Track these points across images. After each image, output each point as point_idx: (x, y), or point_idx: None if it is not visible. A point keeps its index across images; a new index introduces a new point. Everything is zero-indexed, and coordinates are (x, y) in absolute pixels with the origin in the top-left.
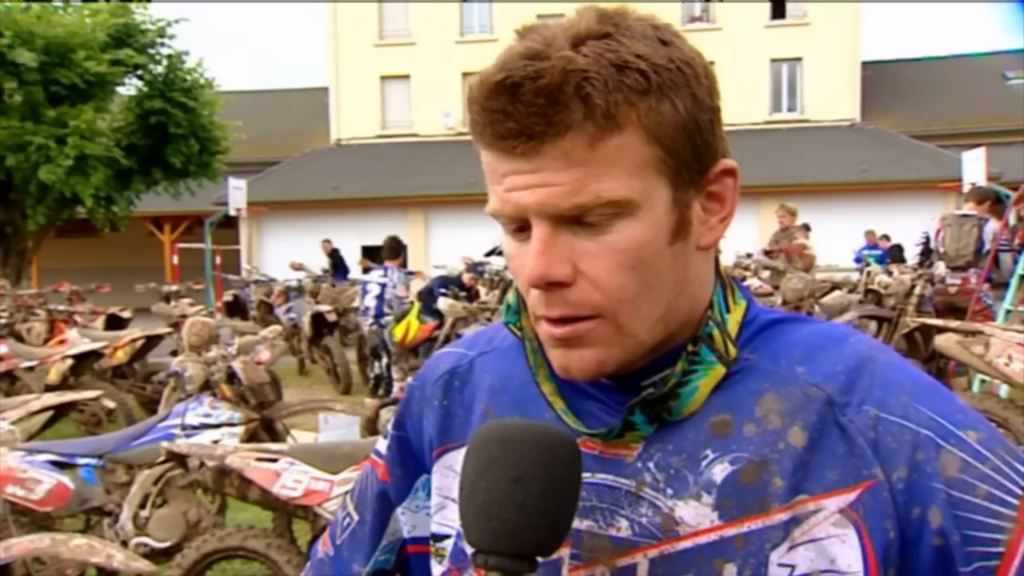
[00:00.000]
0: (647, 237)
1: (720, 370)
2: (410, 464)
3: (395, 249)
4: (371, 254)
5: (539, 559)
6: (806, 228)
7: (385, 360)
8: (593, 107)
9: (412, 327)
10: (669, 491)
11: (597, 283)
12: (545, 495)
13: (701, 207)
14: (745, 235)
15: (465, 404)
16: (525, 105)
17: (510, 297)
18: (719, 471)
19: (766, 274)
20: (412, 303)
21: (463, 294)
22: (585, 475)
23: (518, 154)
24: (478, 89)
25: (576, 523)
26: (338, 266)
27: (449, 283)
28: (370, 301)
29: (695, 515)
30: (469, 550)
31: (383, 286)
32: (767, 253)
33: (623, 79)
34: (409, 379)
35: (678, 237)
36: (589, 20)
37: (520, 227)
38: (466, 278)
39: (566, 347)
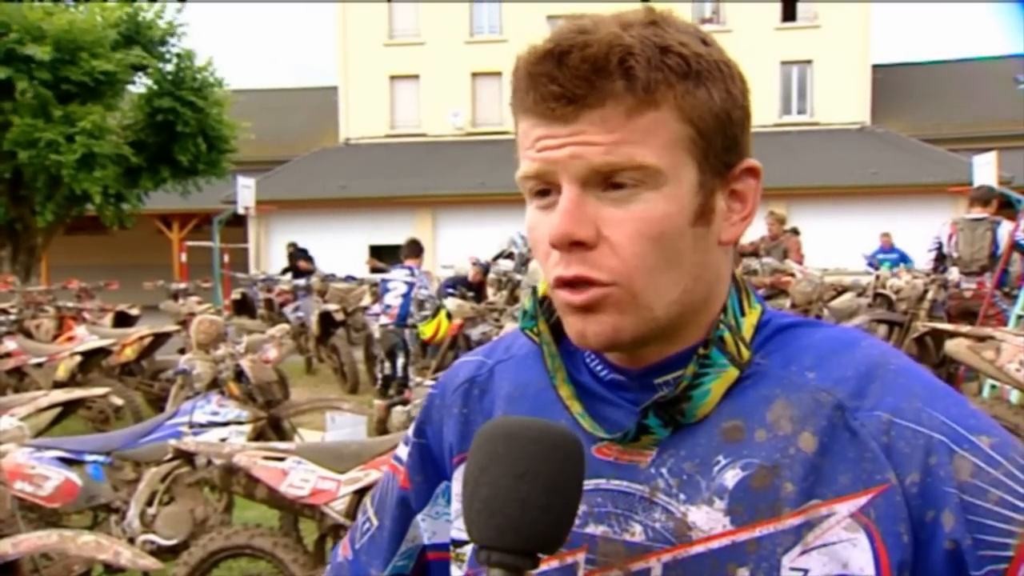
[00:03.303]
0: (671, 211)
1: (732, 372)
2: (431, 471)
3: (416, 249)
4: (379, 254)
5: (542, 556)
6: (795, 232)
7: (402, 360)
8: (634, 80)
9: (443, 325)
10: (682, 496)
11: (617, 248)
12: (548, 492)
13: (725, 203)
14: (753, 237)
15: (484, 412)
16: (571, 70)
17: (526, 303)
18: (731, 476)
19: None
20: (440, 304)
21: (471, 294)
22: (600, 481)
23: (557, 117)
24: (525, 57)
25: (591, 528)
26: (309, 261)
27: (456, 283)
28: (393, 300)
29: (708, 520)
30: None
31: (411, 285)
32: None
33: (665, 60)
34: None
35: (700, 221)
36: (637, 12)
37: (545, 191)
38: (471, 273)
39: (583, 313)
